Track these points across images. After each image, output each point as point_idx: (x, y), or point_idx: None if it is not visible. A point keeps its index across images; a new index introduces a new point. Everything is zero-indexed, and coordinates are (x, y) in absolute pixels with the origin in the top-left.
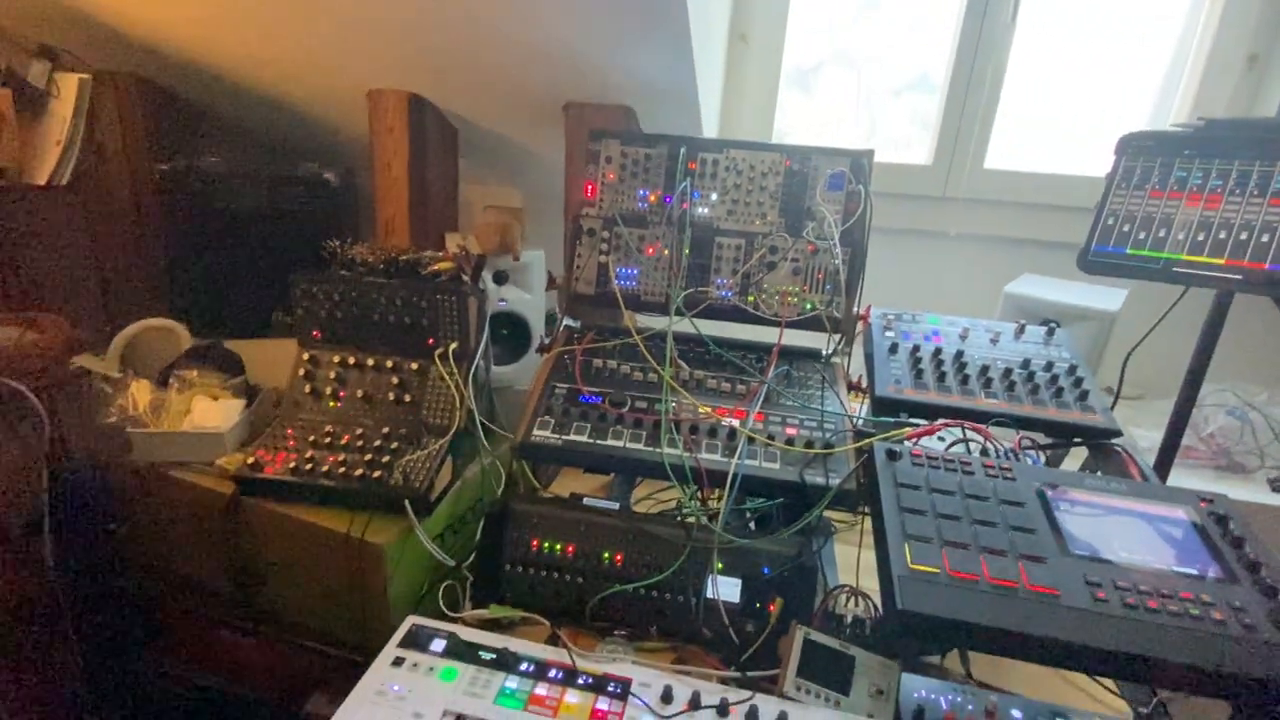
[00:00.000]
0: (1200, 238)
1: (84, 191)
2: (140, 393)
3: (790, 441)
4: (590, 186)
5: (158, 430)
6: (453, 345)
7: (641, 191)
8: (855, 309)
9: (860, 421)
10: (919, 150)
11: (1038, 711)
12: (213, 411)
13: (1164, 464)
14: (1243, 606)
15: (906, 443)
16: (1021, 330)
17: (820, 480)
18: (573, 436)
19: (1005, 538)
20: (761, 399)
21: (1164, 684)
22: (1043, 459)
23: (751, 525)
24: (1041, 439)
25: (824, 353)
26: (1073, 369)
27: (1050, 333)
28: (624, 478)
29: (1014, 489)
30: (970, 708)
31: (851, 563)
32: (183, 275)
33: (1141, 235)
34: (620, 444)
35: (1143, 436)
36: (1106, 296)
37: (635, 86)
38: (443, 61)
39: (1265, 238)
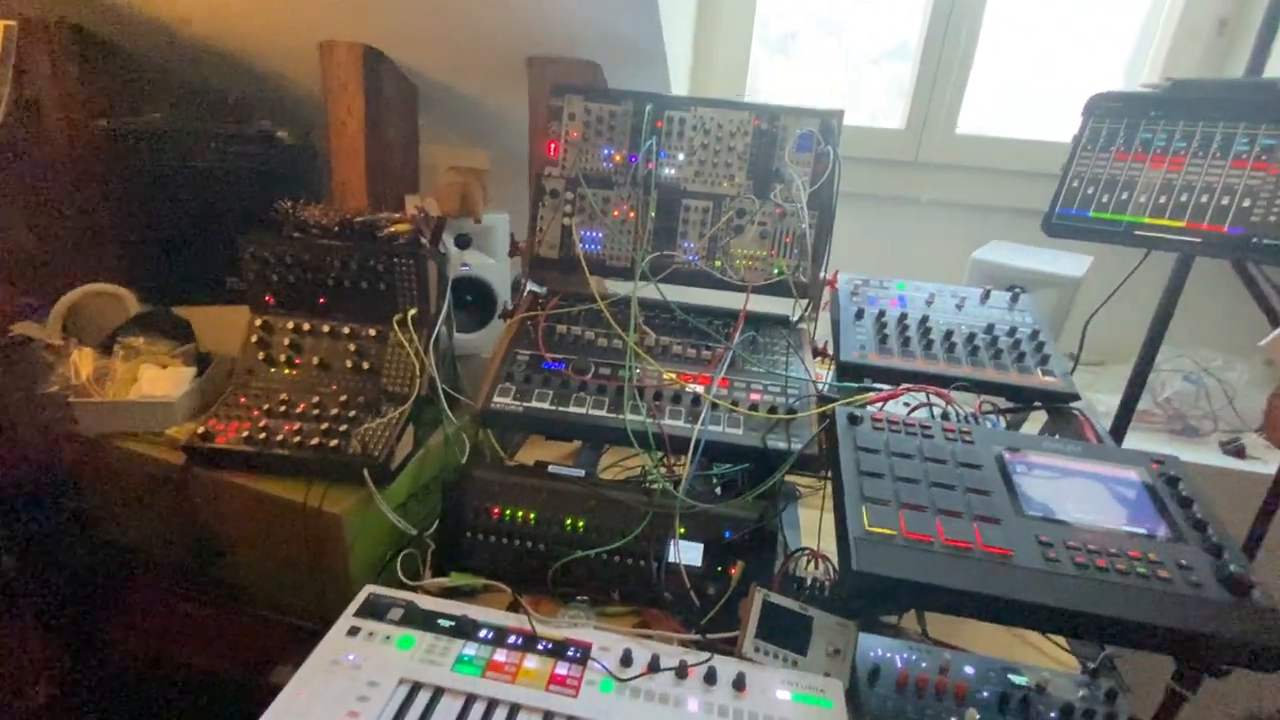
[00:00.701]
0: (1162, 200)
1: (18, 148)
2: (83, 361)
3: (754, 407)
4: (553, 145)
5: (103, 400)
6: (411, 311)
7: (606, 150)
8: (822, 274)
9: (824, 387)
10: (897, 118)
11: (989, 667)
12: (161, 380)
13: (1120, 427)
14: (1189, 565)
15: (869, 407)
16: (986, 296)
17: (783, 445)
18: (534, 404)
19: (962, 500)
20: (726, 365)
21: (1111, 640)
22: (1003, 423)
23: (718, 490)
24: (1002, 403)
25: (791, 318)
26: (1035, 334)
27: (1015, 298)
28: (591, 445)
29: (972, 452)
30: (924, 665)
31: (816, 526)
32: (129, 239)
33: (1105, 198)
34: (583, 411)
35: (1102, 401)
36: (1072, 263)
37: (601, 41)
38: (398, 10)
39: (1225, 200)
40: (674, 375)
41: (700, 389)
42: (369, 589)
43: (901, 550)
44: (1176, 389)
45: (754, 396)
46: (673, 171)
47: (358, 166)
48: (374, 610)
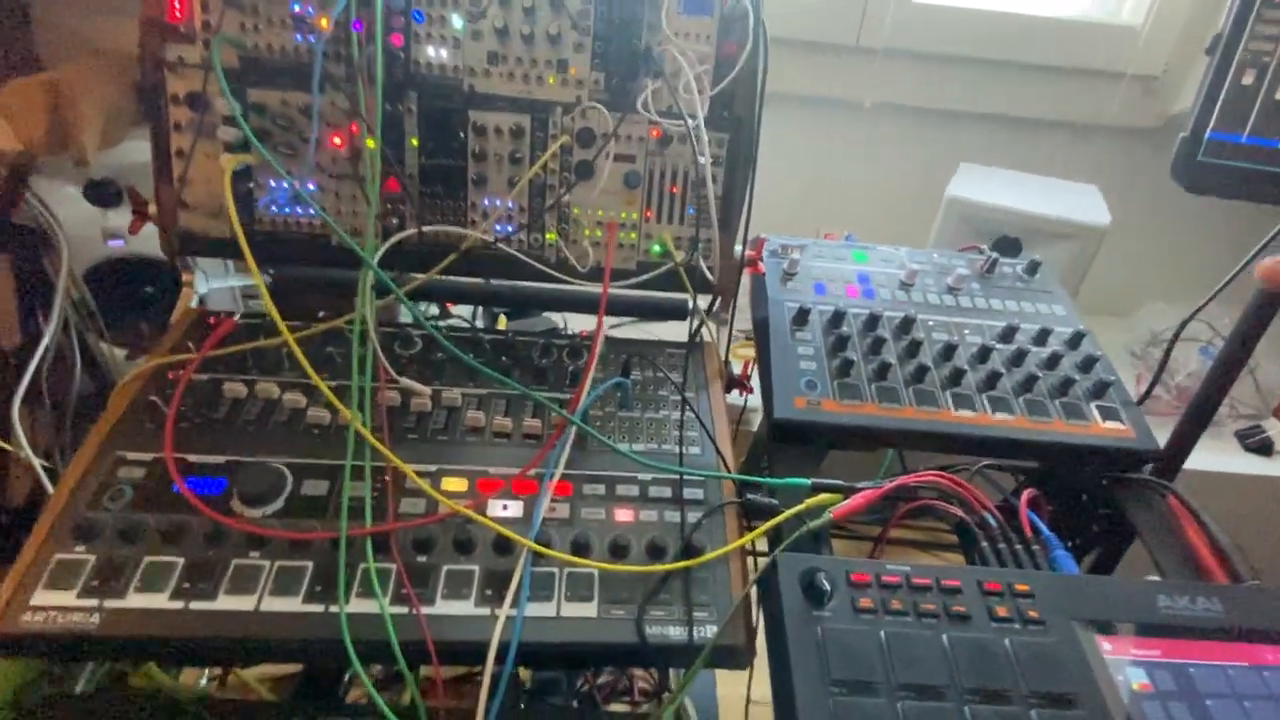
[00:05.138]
0: None
1: None
2: None
3: (620, 548)
4: None
5: None
6: None
7: (297, 6)
8: (741, 246)
9: (746, 482)
10: None
11: None
12: None
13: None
14: None
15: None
16: (991, 266)
17: (675, 634)
18: (128, 602)
19: None
20: (567, 449)
21: None
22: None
23: None
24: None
25: (689, 328)
26: (1076, 339)
27: (1032, 270)
28: None
29: (1048, 652)
30: None
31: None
32: None
33: None
34: (247, 604)
35: None
36: (1081, 200)
37: None
38: None
39: None
40: (462, 486)
41: (513, 511)
42: None
43: None
44: (1192, 370)
45: (622, 515)
46: (442, 54)
47: None
48: None
